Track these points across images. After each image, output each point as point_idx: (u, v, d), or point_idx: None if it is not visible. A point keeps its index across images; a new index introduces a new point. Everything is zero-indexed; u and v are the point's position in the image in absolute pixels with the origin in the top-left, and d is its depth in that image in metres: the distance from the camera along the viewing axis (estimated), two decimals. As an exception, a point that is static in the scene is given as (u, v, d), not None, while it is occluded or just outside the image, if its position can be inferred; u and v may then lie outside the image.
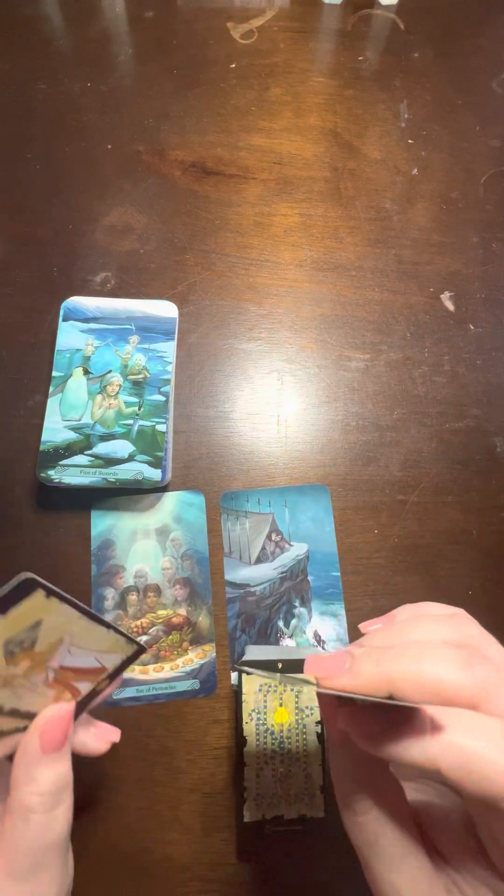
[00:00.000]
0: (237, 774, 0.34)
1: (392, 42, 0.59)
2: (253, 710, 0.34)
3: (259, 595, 0.40)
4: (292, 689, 0.35)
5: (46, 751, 0.24)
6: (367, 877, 0.22)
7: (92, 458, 0.40)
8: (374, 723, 0.20)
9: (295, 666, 0.35)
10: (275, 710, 0.34)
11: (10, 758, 0.25)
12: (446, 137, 0.55)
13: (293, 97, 0.56)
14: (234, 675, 0.38)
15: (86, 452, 0.40)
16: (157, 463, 0.40)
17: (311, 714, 0.34)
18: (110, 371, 0.42)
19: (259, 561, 0.41)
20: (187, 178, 0.52)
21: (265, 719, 0.34)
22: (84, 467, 0.39)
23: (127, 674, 0.37)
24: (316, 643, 0.39)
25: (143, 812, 0.36)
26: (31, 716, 0.25)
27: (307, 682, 0.22)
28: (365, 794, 0.22)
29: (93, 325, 0.43)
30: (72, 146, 0.53)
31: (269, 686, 0.35)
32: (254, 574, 0.41)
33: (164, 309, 0.44)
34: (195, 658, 0.39)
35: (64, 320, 0.43)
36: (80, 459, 0.40)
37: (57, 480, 0.39)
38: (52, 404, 0.41)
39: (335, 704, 0.23)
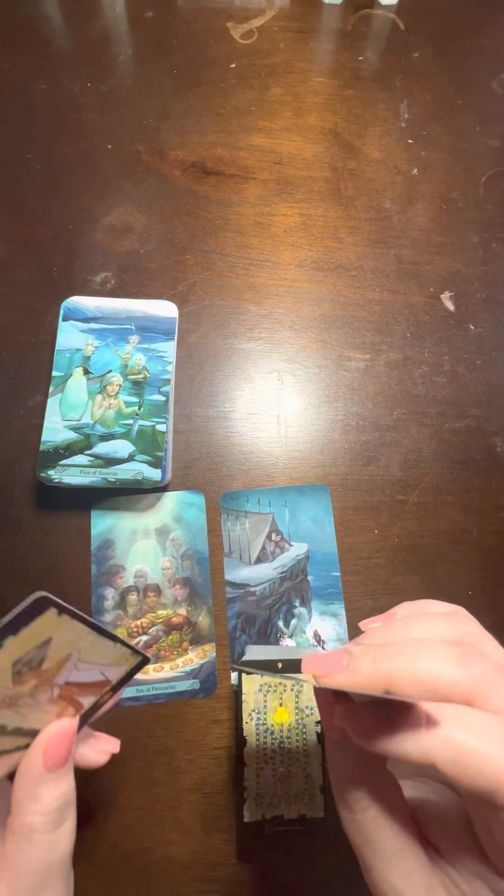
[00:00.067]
0: (237, 774, 0.34)
1: (392, 42, 0.59)
2: (253, 710, 0.34)
3: (259, 595, 0.40)
4: (292, 689, 0.35)
5: (50, 769, 0.24)
6: (366, 876, 0.22)
7: (92, 458, 0.40)
8: (370, 719, 0.20)
9: (295, 666, 0.35)
10: (275, 710, 0.34)
11: (11, 776, 0.24)
12: (446, 137, 0.55)
13: (293, 97, 0.56)
14: (234, 675, 0.38)
15: (86, 452, 0.40)
16: (157, 463, 0.40)
17: (311, 714, 0.34)
18: (110, 371, 0.42)
19: (259, 561, 0.41)
20: (187, 178, 0.52)
21: (265, 719, 0.34)
22: (84, 467, 0.39)
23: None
24: (316, 643, 0.39)
25: (143, 812, 0.36)
26: (33, 733, 0.24)
27: (306, 680, 0.22)
28: (363, 792, 0.22)
29: (93, 325, 0.43)
30: (72, 146, 0.53)
31: (269, 686, 0.35)
32: (254, 574, 0.41)
33: (164, 309, 0.44)
34: (195, 658, 0.39)
35: (64, 320, 0.43)
36: (80, 459, 0.40)
37: (57, 480, 0.39)
38: (52, 404, 0.41)
39: (332, 701, 0.23)
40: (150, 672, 0.38)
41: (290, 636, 0.39)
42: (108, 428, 0.40)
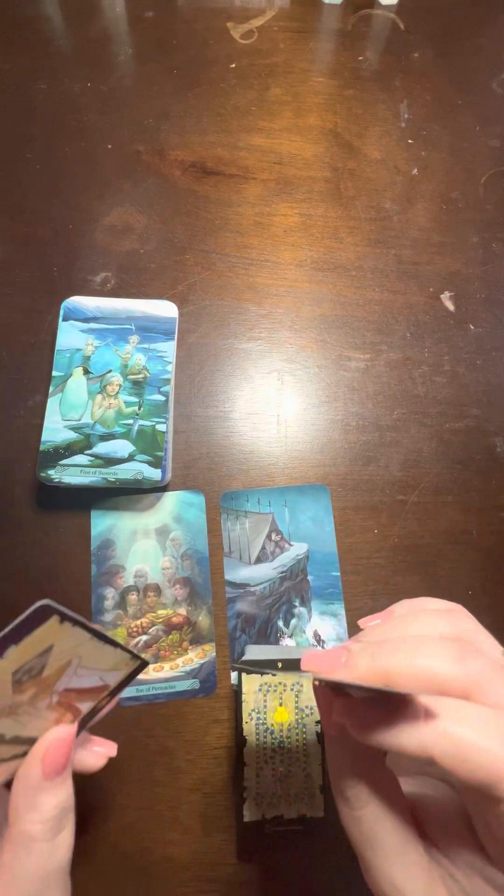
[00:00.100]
0: (237, 774, 0.34)
1: (392, 42, 0.59)
2: (253, 710, 0.34)
3: (259, 595, 0.40)
4: (292, 689, 0.35)
5: (49, 776, 0.23)
6: (365, 873, 0.22)
7: (92, 458, 0.40)
8: (368, 714, 0.20)
9: (295, 665, 0.35)
10: (275, 710, 0.34)
11: (8, 784, 0.24)
12: (446, 137, 0.55)
13: (293, 97, 0.56)
14: (233, 675, 0.38)
15: (86, 452, 0.40)
16: (157, 463, 0.40)
17: (311, 714, 0.34)
18: (110, 371, 0.42)
19: (259, 561, 0.41)
20: (187, 178, 0.52)
21: (265, 719, 0.34)
22: (84, 467, 0.39)
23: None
24: (316, 643, 0.39)
25: (143, 812, 0.36)
26: (31, 741, 0.24)
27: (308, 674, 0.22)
28: (362, 788, 0.22)
29: (93, 325, 0.43)
30: (72, 146, 0.53)
31: (269, 686, 0.35)
32: (254, 574, 0.41)
33: (164, 309, 0.44)
34: (195, 658, 0.39)
35: (64, 320, 0.43)
36: (80, 459, 0.40)
37: (57, 480, 0.39)
38: (52, 404, 0.41)
39: (331, 697, 0.23)
40: (150, 672, 0.38)
41: (290, 636, 0.39)
42: (108, 428, 0.40)
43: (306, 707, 0.34)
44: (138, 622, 0.39)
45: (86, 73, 0.56)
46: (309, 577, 0.41)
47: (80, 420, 0.41)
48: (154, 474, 0.39)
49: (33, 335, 0.46)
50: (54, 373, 0.42)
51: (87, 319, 0.43)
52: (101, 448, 0.40)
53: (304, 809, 0.33)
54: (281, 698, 0.35)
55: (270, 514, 0.42)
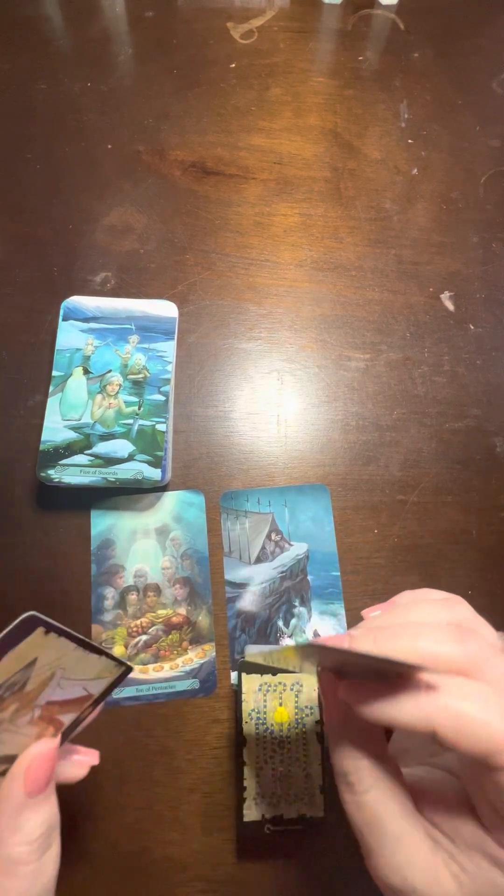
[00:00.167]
0: (237, 774, 0.34)
1: (392, 42, 0.59)
2: (253, 710, 0.34)
3: (259, 595, 0.40)
4: (292, 689, 0.35)
5: (32, 794, 0.23)
6: (367, 859, 0.23)
7: (92, 458, 0.40)
8: (372, 690, 0.21)
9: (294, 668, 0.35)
10: (275, 710, 0.34)
11: None
12: (446, 137, 0.55)
13: (293, 97, 0.56)
14: (233, 675, 0.38)
15: (86, 452, 0.40)
16: (156, 462, 0.40)
17: (311, 714, 0.34)
18: (110, 371, 0.42)
19: (259, 560, 0.41)
20: (187, 178, 0.52)
21: (265, 719, 0.34)
22: (84, 467, 0.39)
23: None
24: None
25: (143, 812, 0.36)
26: (10, 759, 0.23)
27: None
28: (365, 772, 0.22)
29: (93, 325, 0.43)
30: (72, 146, 0.53)
31: (269, 686, 0.35)
32: (254, 574, 0.41)
33: (164, 309, 0.44)
34: (195, 658, 0.39)
35: (64, 320, 0.43)
36: (80, 459, 0.40)
37: (57, 480, 0.39)
38: (52, 404, 0.41)
39: (335, 680, 0.23)
40: (149, 672, 0.38)
41: (290, 636, 0.39)
42: (108, 428, 0.40)
43: (306, 707, 0.34)
44: (138, 622, 0.39)
45: (86, 73, 0.56)
46: (309, 577, 0.41)
47: (80, 420, 0.41)
48: (154, 474, 0.39)
49: (33, 335, 0.46)
50: (54, 373, 0.42)
51: (87, 319, 0.43)
52: (101, 448, 0.40)
53: (304, 809, 0.33)
54: (281, 698, 0.35)
55: (270, 513, 0.42)
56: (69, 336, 0.43)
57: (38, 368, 0.44)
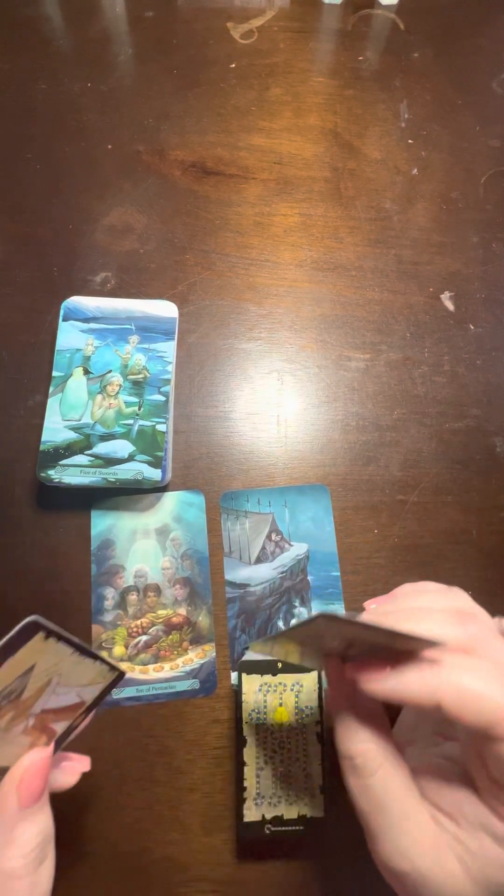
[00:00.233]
0: (237, 774, 0.34)
1: (392, 42, 0.59)
2: (253, 710, 0.34)
3: (259, 595, 0.40)
4: (292, 689, 0.35)
5: (26, 805, 0.22)
6: (372, 842, 0.23)
7: (92, 458, 0.40)
8: (380, 669, 0.22)
9: (294, 665, 0.35)
10: (275, 710, 0.34)
11: None
12: (446, 137, 0.55)
13: (293, 97, 0.56)
14: (233, 675, 0.38)
15: (86, 452, 0.40)
16: (157, 463, 0.40)
17: (311, 714, 0.34)
18: (110, 371, 0.42)
19: (259, 561, 0.41)
20: (187, 178, 0.52)
21: (265, 719, 0.34)
22: (84, 467, 0.39)
23: (127, 673, 0.37)
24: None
25: (143, 812, 0.36)
26: (2, 771, 0.23)
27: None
28: (371, 755, 0.23)
29: (93, 325, 0.43)
30: (72, 146, 0.53)
31: (269, 686, 0.35)
32: (254, 574, 0.41)
33: (164, 309, 0.44)
34: (195, 658, 0.39)
35: (64, 320, 0.43)
36: (80, 459, 0.40)
37: (57, 480, 0.39)
38: (52, 404, 0.41)
39: (341, 663, 0.24)
40: (150, 672, 0.38)
41: (290, 636, 0.39)
42: (108, 428, 0.40)
43: (306, 707, 0.34)
44: (138, 622, 0.39)
45: (86, 73, 0.56)
46: (309, 577, 0.41)
47: (80, 420, 0.41)
48: (154, 474, 0.39)
49: (33, 335, 0.46)
50: (54, 373, 0.42)
51: (87, 319, 0.43)
52: (101, 448, 0.40)
53: (304, 809, 0.33)
54: (281, 698, 0.35)
55: (270, 514, 0.42)
56: (69, 336, 0.43)
57: (38, 368, 0.44)
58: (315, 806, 0.33)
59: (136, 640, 0.39)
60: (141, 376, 0.42)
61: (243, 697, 0.34)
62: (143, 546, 0.41)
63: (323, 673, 0.35)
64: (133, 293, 0.48)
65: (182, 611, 0.40)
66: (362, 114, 0.56)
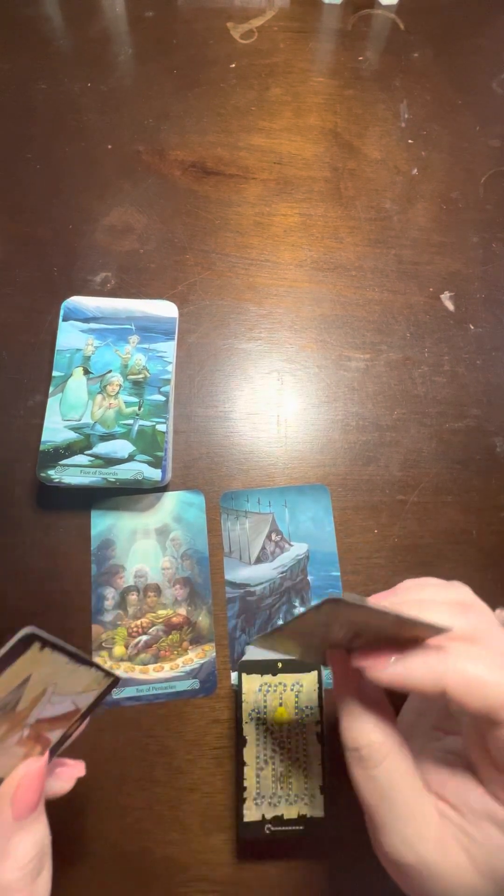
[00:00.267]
0: (237, 774, 0.34)
1: (392, 42, 0.59)
2: (253, 710, 0.34)
3: (259, 595, 0.40)
4: (292, 689, 0.35)
5: (21, 816, 0.22)
6: (376, 832, 0.23)
7: (92, 458, 0.40)
8: (386, 656, 0.22)
9: (294, 665, 0.35)
10: (275, 710, 0.34)
11: None
12: (446, 137, 0.55)
13: (293, 97, 0.56)
14: (233, 675, 0.38)
15: (86, 452, 0.40)
16: (157, 463, 0.40)
17: (311, 714, 0.34)
18: (110, 371, 0.42)
19: (259, 561, 0.41)
20: (187, 178, 0.52)
21: (265, 719, 0.34)
22: (84, 467, 0.39)
23: (127, 673, 0.37)
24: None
25: (143, 812, 0.36)
26: None
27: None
28: (377, 746, 0.23)
29: (93, 325, 0.43)
30: (72, 146, 0.53)
31: (269, 686, 0.35)
32: (254, 574, 0.41)
33: (164, 309, 0.44)
34: (195, 658, 0.39)
35: (64, 320, 0.43)
36: (80, 459, 0.40)
37: (57, 480, 0.39)
38: (52, 404, 0.41)
39: (345, 655, 0.25)
40: (150, 672, 0.38)
41: (290, 636, 0.39)
42: (108, 428, 0.40)
43: (306, 707, 0.34)
44: (138, 622, 0.39)
45: (86, 73, 0.56)
46: (309, 577, 0.41)
47: (80, 420, 0.41)
48: (154, 474, 0.39)
49: (33, 335, 0.46)
50: (54, 373, 0.42)
51: (87, 319, 0.43)
52: (101, 448, 0.40)
53: (304, 809, 0.33)
54: (281, 698, 0.35)
55: (270, 514, 0.42)
56: (69, 336, 0.43)
57: (38, 368, 0.44)
58: (315, 806, 0.33)
59: (136, 640, 0.39)
60: (141, 376, 0.42)
61: (243, 697, 0.34)
62: (143, 546, 0.41)
63: (325, 669, 0.35)
64: (133, 293, 0.48)
65: (182, 611, 0.40)
66: (362, 114, 0.56)
